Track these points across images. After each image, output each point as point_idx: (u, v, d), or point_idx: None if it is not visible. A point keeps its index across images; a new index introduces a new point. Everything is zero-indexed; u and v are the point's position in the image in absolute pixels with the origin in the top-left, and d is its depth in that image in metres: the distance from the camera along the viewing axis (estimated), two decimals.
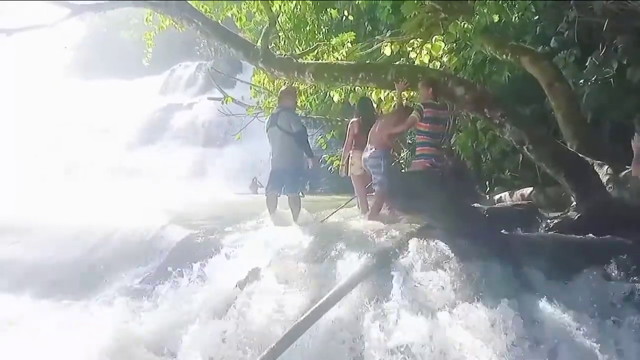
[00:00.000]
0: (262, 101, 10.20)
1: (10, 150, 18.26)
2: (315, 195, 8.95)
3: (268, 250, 4.97)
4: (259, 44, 7.24)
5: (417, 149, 5.88)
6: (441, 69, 7.70)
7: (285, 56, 7.36)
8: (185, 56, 25.06)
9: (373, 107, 7.27)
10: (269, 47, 7.48)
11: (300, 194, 6.25)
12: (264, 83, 9.18)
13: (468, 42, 7.92)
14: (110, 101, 22.62)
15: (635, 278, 3.82)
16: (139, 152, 18.74)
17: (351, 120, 6.99)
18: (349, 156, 6.78)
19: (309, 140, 6.35)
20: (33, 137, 18.95)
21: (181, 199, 10.33)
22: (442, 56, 7.93)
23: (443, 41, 7.61)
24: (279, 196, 6.30)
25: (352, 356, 3.50)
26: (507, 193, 7.64)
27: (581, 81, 7.65)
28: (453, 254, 4.19)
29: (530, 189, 7.13)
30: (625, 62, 7.32)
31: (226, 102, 10.59)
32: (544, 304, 3.64)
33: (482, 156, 9.84)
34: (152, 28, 8.92)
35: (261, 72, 8.61)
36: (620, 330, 3.53)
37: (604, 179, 5.31)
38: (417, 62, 8.02)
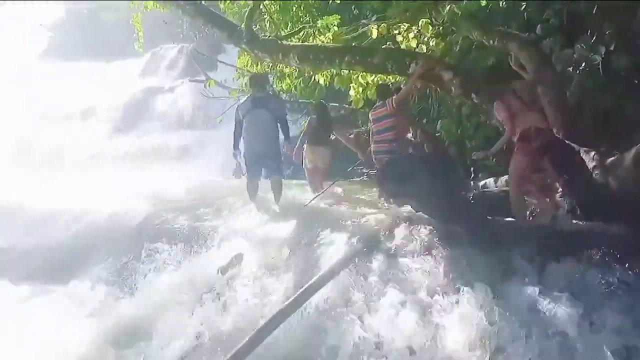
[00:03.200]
0: (245, 84, 10.03)
1: None
2: (297, 180, 8.99)
3: (251, 236, 4.91)
4: (243, 25, 7.09)
5: None
6: (428, 53, 7.61)
7: (270, 38, 7.21)
8: (167, 39, 24.53)
9: (328, 113, 8.27)
10: (254, 29, 7.33)
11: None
12: (247, 65, 9.01)
13: (454, 27, 7.82)
14: (90, 84, 22.19)
15: (616, 265, 3.79)
16: (121, 136, 18.37)
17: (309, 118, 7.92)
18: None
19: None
20: (11, 121, 18.51)
21: (164, 184, 10.14)
22: (428, 40, 7.84)
23: (431, 24, 7.52)
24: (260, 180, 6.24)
25: (334, 344, 3.45)
26: (492, 179, 7.60)
27: (569, 68, 7.61)
28: (439, 240, 4.15)
29: None
30: (612, 49, 7.30)
31: (209, 85, 10.43)
32: (527, 290, 3.61)
33: (466, 142, 9.81)
34: (135, 10, 8.67)
35: (246, 54, 8.45)
36: (600, 316, 3.49)
37: (591, 165, 5.29)
38: (403, 46, 7.93)
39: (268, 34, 7.63)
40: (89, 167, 15.06)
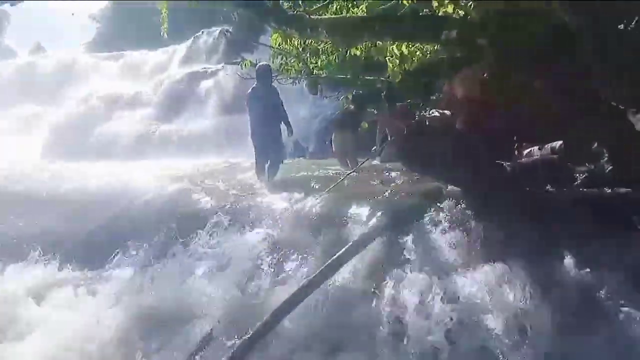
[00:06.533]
0: (280, 63, 9.87)
1: (37, 123, 18.51)
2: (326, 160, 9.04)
3: (281, 216, 4.87)
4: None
5: None
6: (465, 19, 7.22)
7: (298, 13, 7.00)
8: (209, 23, 24.59)
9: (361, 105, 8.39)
10: (285, 5, 7.13)
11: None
12: (278, 44, 8.85)
13: None
14: (135, 72, 22.63)
15: None
16: (164, 122, 18.66)
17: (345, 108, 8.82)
18: None
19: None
20: (59, 110, 19.15)
21: (204, 168, 10.26)
22: (466, 5, 7.42)
23: None
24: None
25: (359, 320, 3.34)
26: (536, 147, 7.22)
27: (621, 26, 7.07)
28: (471, 214, 3.95)
29: (561, 142, 6.70)
30: None
31: (245, 67, 10.35)
32: (567, 264, 3.35)
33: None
34: None
35: (277, 32, 8.28)
36: None
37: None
38: (440, 13, 7.56)
39: (296, 10, 7.40)
40: (135, 153, 15.37)
